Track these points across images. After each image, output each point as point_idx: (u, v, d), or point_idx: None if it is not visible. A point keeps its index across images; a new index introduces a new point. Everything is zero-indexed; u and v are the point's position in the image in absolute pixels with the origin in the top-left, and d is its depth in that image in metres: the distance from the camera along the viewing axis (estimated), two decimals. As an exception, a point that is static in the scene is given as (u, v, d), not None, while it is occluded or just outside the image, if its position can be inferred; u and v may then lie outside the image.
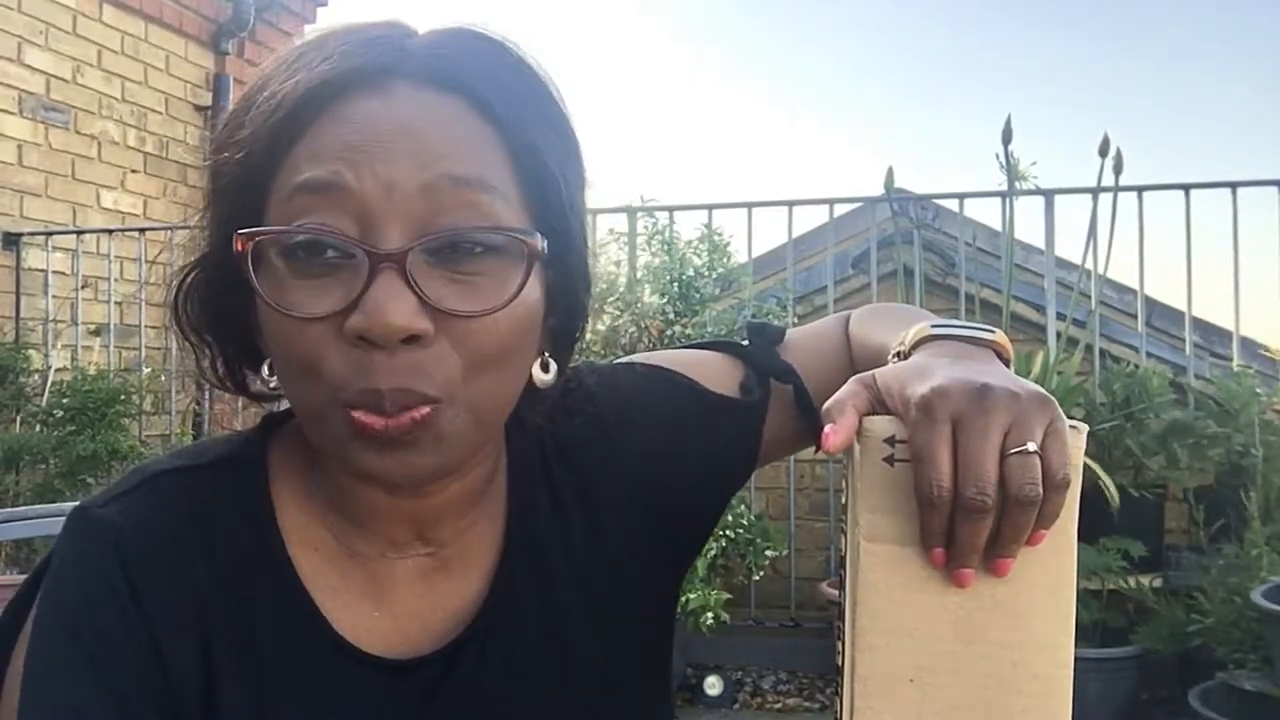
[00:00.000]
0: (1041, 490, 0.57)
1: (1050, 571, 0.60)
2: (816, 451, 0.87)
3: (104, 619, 0.69)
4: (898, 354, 0.70)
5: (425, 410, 0.64)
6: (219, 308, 0.73)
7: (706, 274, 4.01)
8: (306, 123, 0.65)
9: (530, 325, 0.69)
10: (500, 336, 0.66)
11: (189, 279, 0.73)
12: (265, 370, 0.72)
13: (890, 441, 0.60)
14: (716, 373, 0.87)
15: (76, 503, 0.75)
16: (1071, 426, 0.59)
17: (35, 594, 0.73)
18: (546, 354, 0.74)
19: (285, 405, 0.80)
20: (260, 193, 0.67)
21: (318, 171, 0.64)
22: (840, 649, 0.64)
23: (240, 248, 0.65)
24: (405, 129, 0.65)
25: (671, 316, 3.86)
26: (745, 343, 0.90)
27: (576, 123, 0.73)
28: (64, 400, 4.29)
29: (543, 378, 0.74)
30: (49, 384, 4.47)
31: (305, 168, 0.65)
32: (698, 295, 3.90)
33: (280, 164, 0.66)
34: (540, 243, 0.67)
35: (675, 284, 3.91)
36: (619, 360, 0.90)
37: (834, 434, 0.60)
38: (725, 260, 4.11)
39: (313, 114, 0.65)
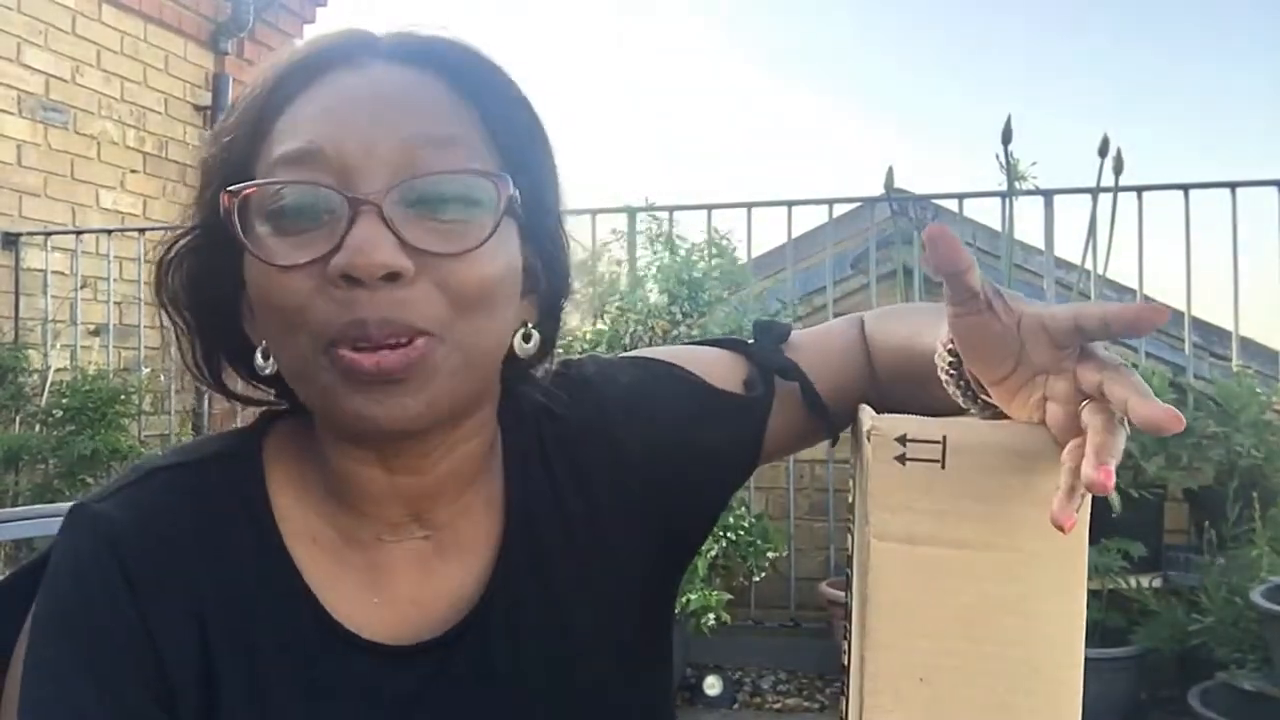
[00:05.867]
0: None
1: (1061, 572, 0.60)
2: (833, 446, 0.88)
3: (101, 614, 0.70)
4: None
5: (419, 343, 0.66)
6: (202, 285, 0.75)
7: (716, 277, 4.00)
8: (284, 101, 0.69)
9: (507, 278, 0.71)
10: (481, 279, 0.68)
11: (175, 251, 0.75)
12: (259, 358, 0.72)
13: (902, 440, 0.61)
14: (721, 369, 0.87)
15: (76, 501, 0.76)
16: None
17: (29, 586, 0.74)
18: (530, 325, 0.76)
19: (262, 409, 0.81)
20: (244, 168, 0.70)
21: (296, 142, 0.68)
22: (847, 648, 0.64)
23: (226, 204, 0.67)
24: (381, 97, 0.69)
25: (678, 317, 3.85)
26: (751, 340, 0.90)
27: (538, 105, 0.76)
28: (63, 400, 4.28)
29: (525, 348, 0.75)
30: (48, 384, 4.46)
31: (285, 140, 0.68)
32: (704, 297, 3.89)
33: (262, 141, 0.70)
34: (511, 188, 0.69)
35: (684, 285, 3.89)
36: (622, 354, 0.90)
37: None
38: (733, 265, 4.11)
39: (290, 93, 0.69)
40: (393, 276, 0.65)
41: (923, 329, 0.76)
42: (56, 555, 0.73)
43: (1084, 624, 0.60)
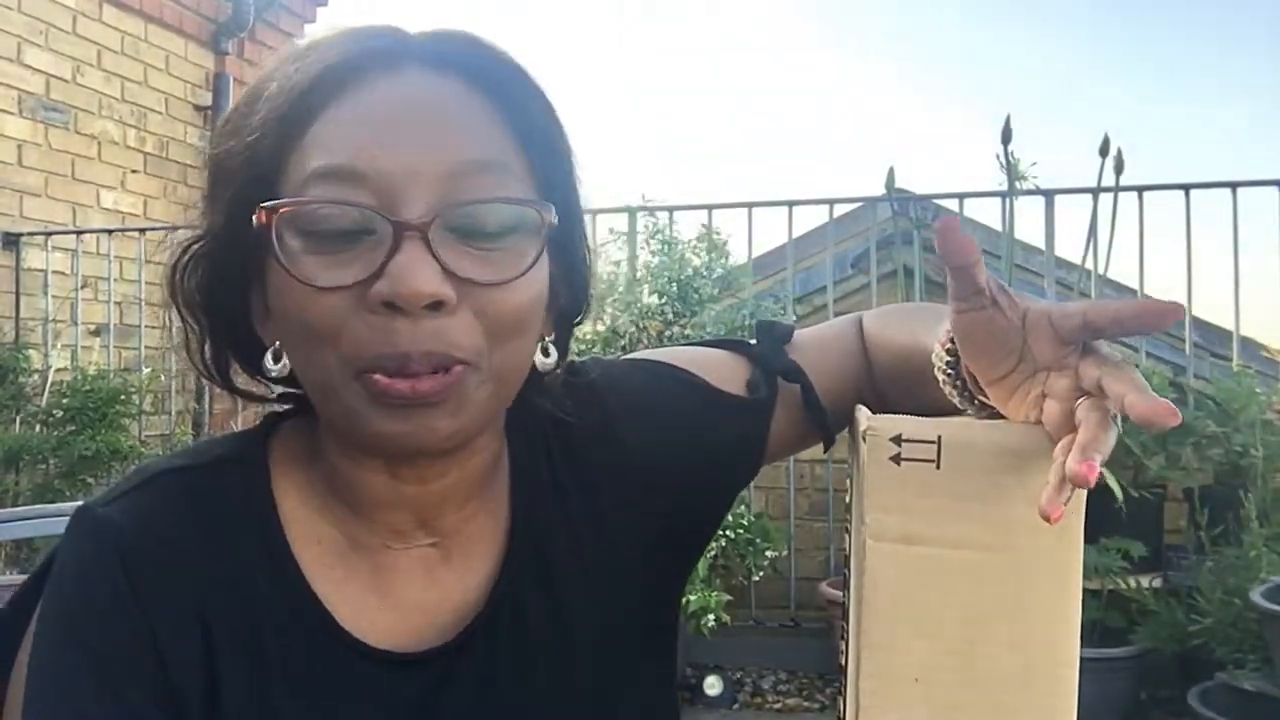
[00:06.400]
0: None
1: (1056, 572, 0.60)
2: (826, 451, 0.88)
3: (105, 618, 0.70)
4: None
5: (457, 369, 0.65)
6: (217, 290, 0.74)
7: (705, 274, 4.00)
8: (320, 105, 0.67)
9: (541, 300, 0.71)
10: (518, 307, 0.68)
11: (190, 254, 0.74)
12: (269, 359, 0.72)
13: (897, 440, 0.61)
14: (723, 370, 0.87)
15: (76, 502, 0.76)
16: None
17: (38, 591, 0.73)
18: (548, 339, 0.75)
19: (270, 408, 0.81)
20: (272, 174, 0.68)
21: (337, 159, 0.65)
22: (844, 648, 0.64)
23: (262, 221, 0.66)
24: (423, 113, 0.67)
25: (670, 317, 3.85)
26: (753, 341, 0.90)
27: (562, 113, 0.75)
28: (64, 400, 4.29)
29: (544, 361, 0.75)
30: (49, 384, 4.46)
31: (323, 153, 0.66)
32: (696, 296, 3.90)
33: (293, 146, 0.67)
34: (553, 215, 0.69)
35: (674, 284, 3.90)
36: (625, 356, 0.90)
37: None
38: (724, 261, 4.11)
39: (326, 96, 0.67)
40: (435, 305, 0.64)
41: (921, 330, 0.76)
42: (61, 559, 0.73)
43: (1079, 623, 0.61)
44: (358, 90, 0.67)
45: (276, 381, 0.76)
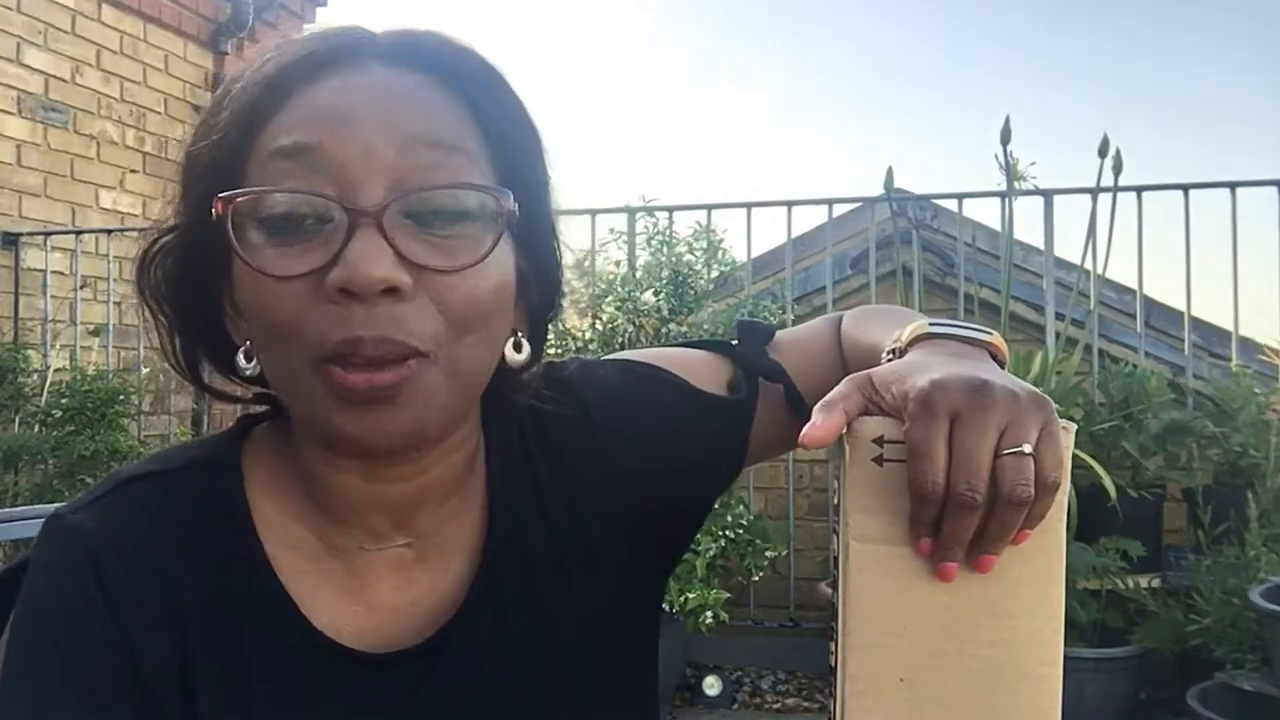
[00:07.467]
0: (1033, 492, 0.57)
1: (1039, 570, 0.60)
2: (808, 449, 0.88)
3: (79, 625, 0.69)
4: (892, 351, 0.71)
5: (412, 362, 0.65)
6: (186, 286, 0.74)
7: (702, 271, 4.00)
8: (282, 97, 0.67)
9: (503, 291, 0.70)
10: (476, 296, 0.67)
11: (157, 247, 0.74)
12: (241, 359, 0.71)
13: (879, 441, 0.60)
14: (705, 371, 0.87)
15: None
16: (1061, 427, 0.59)
17: (9, 599, 0.73)
18: (520, 334, 0.75)
19: (241, 409, 0.80)
20: (237, 166, 0.68)
21: (295, 137, 0.66)
22: (833, 649, 0.64)
23: (220, 211, 0.66)
24: (379, 97, 0.67)
25: (666, 314, 3.84)
26: (735, 342, 0.90)
27: (532, 107, 0.75)
28: (63, 400, 4.29)
29: (515, 357, 0.75)
30: (48, 384, 4.47)
31: (282, 136, 0.67)
32: (693, 293, 3.89)
33: (256, 137, 0.68)
34: (511, 202, 0.69)
35: (670, 282, 3.89)
36: (605, 357, 0.90)
37: (814, 429, 0.60)
38: (721, 256, 4.11)
39: (288, 90, 0.68)
40: (391, 291, 0.64)
41: (884, 331, 0.76)
42: (32, 567, 0.72)
43: (1063, 622, 0.60)
44: (319, 82, 0.68)
45: (251, 382, 0.76)
